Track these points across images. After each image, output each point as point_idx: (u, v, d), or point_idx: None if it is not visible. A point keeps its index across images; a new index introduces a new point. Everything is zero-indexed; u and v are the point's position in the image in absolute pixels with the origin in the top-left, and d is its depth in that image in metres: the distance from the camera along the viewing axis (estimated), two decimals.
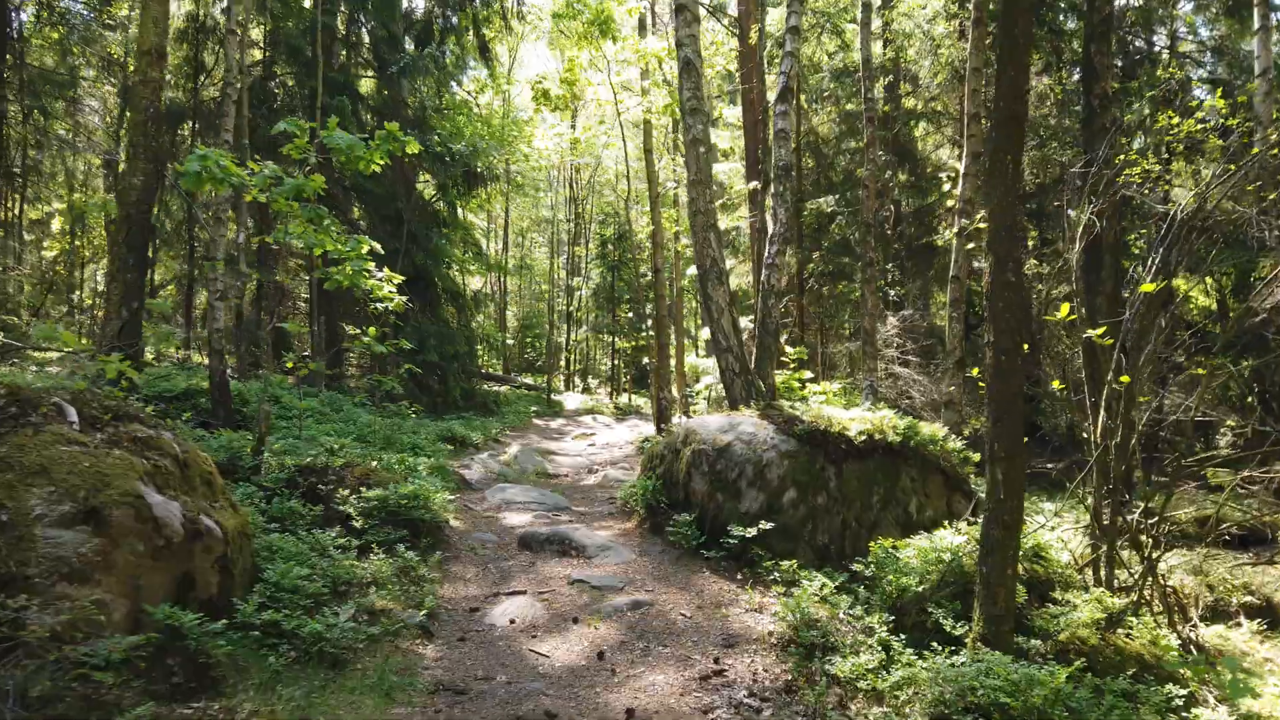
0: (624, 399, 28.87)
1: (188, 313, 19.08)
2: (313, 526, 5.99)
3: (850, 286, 15.37)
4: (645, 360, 24.32)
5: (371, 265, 9.31)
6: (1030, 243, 15.60)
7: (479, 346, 18.85)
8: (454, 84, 20.36)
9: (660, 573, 6.46)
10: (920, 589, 4.93)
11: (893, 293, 14.65)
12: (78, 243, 22.29)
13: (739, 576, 6.23)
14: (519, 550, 7.08)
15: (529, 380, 27.24)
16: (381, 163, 7.38)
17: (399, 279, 9.52)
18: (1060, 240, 14.44)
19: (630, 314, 28.95)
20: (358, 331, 8.12)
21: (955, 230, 8.20)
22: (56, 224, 22.12)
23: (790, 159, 9.12)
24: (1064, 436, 17.52)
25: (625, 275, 28.63)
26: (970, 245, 8.52)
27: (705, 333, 17.00)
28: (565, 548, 6.94)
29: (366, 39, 16.22)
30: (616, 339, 28.55)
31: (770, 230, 8.96)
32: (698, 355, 28.11)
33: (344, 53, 16.57)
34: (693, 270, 18.49)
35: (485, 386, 24.36)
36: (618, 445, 14.87)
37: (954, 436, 7.25)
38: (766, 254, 8.95)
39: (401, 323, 13.66)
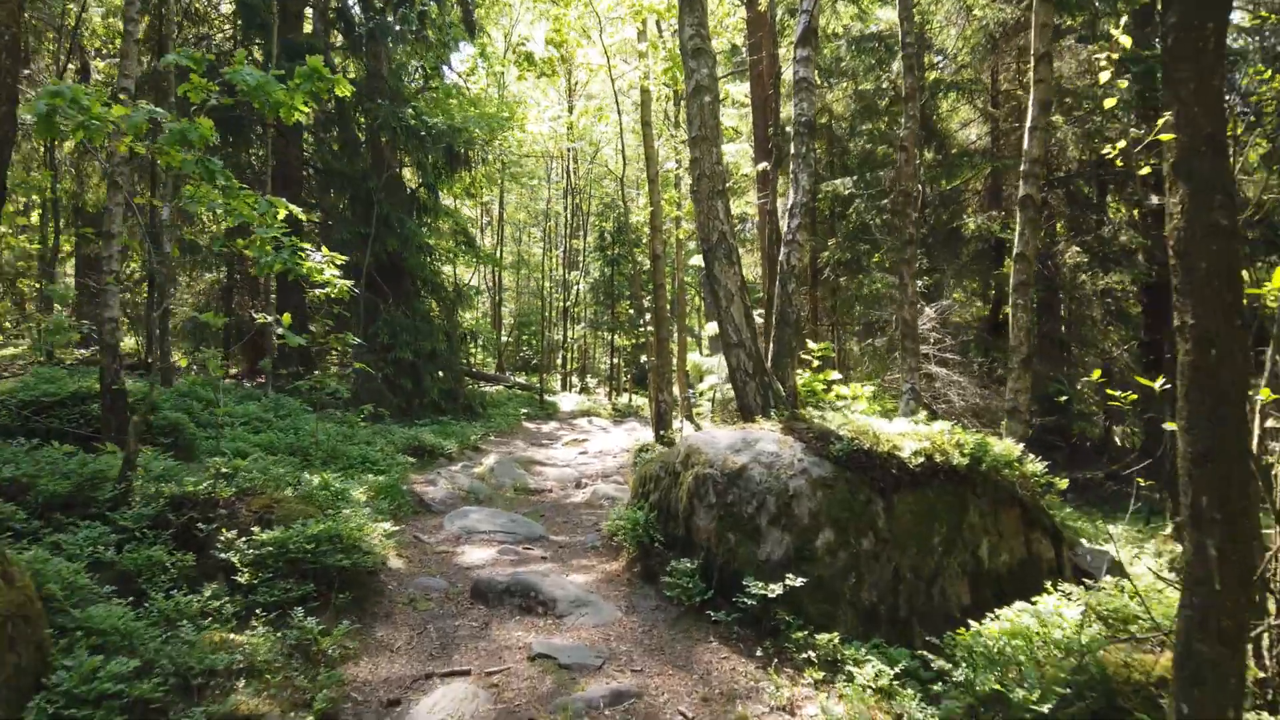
0: (623, 399, 27.22)
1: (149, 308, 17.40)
2: (177, 585, 4.35)
3: (870, 277, 13.70)
4: (644, 359, 22.70)
5: (309, 247, 7.66)
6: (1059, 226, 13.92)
7: (469, 344, 17.20)
8: (444, 66, 18.74)
9: (653, 642, 4.80)
10: (1035, 702, 3.25)
11: (920, 282, 12.95)
12: None
13: (759, 652, 4.55)
14: (471, 603, 5.42)
15: (523, 380, 25.59)
16: (306, 109, 5.72)
17: (341, 260, 7.86)
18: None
19: (630, 310, 27.30)
20: (268, 319, 6.43)
21: (1023, 192, 6.51)
22: None
23: (813, 114, 7.46)
24: (1098, 440, 15.82)
25: (624, 269, 26.98)
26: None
27: (711, 328, 15.32)
28: (530, 601, 5.28)
29: (334, 1, 14.56)
30: (616, 336, 26.91)
31: (790, 200, 7.29)
32: (701, 353, 26.47)
33: (311, 21, 14.93)
34: (696, 260, 16.79)
35: (475, 386, 22.71)
36: (612, 453, 13.22)
37: (1031, 456, 5.58)
38: (785, 227, 7.29)
39: (350, 314, 12.03)
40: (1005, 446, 5.40)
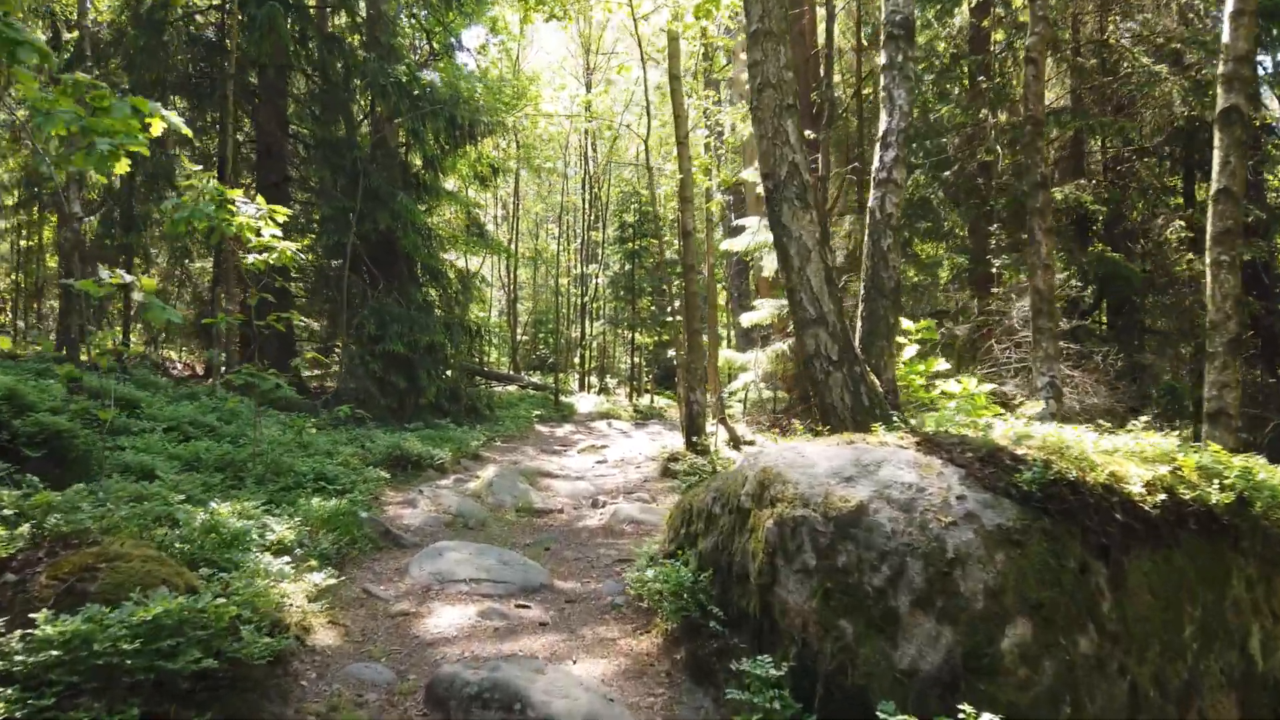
0: (644, 401, 25.19)
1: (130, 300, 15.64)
2: None
3: (937, 253, 11.62)
4: (671, 354, 20.72)
5: (238, 196, 5.81)
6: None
7: (478, 340, 15.26)
8: (453, 41, 16.89)
9: None
10: None
11: (997, 262, 10.81)
12: None
13: None
14: (425, 715, 3.43)
15: (538, 379, 23.66)
16: None
17: (284, 214, 5.94)
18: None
19: (652, 307, 25.28)
20: (121, 279, 4.32)
21: (1223, 103, 4.44)
22: None
23: (911, 11, 5.40)
24: None
25: (646, 263, 24.97)
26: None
27: (746, 317, 13.27)
28: None
29: None
30: (636, 334, 24.89)
31: (883, 125, 5.23)
32: (728, 347, 24.46)
33: None
34: (725, 245, 14.75)
35: (486, 386, 20.79)
36: (634, 462, 11.20)
37: None
38: (877, 162, 5.24)
39: (323, 300, 10.14)
40: (1275, 475, 3.31)
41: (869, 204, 5.22)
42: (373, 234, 11.90)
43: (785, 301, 13.71)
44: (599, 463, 11.10)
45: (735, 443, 12.55)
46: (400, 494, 7.49)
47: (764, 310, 13.02)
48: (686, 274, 10.46)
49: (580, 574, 5.64)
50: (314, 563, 4.66)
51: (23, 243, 19.60)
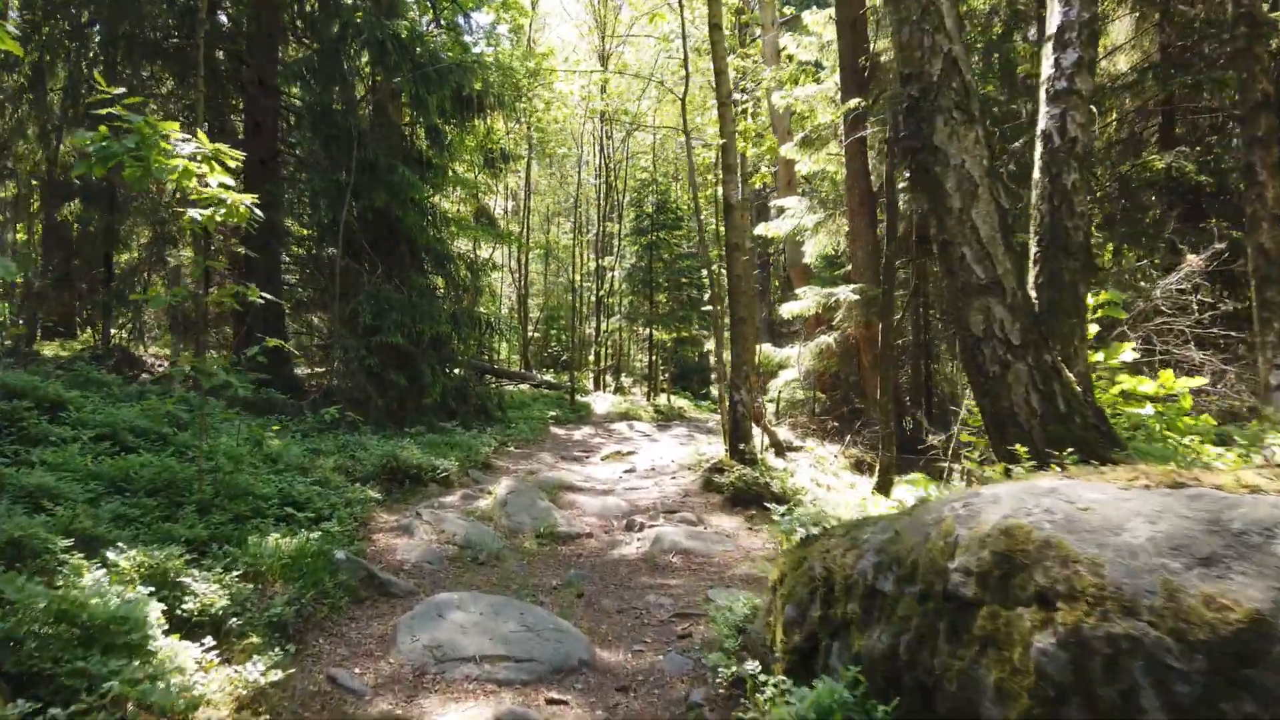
0: (662, 400, 23.70)
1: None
2: None
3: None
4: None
5: (174, 131, 4.36)
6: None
7: (488, 335, 13.80)
8: (459, 19, 15.47)
9: None
10: None
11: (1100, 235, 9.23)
12: None
13: None
14: None
15: (550, 378, 22.19)
16: None
17: (236, 158, 4.46)
18: None
19: (670, 302, 23.77)
20: None
21: None
22: None
23: None
24: None
25: (664, 255, 23.45)
26: None
27: (789, 307, 11.75)
28: None
29: None
30: (654, 330, 23.36)
31: (1057, 17, 3.69)
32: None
33: None
34: (773, 228, 13.21)
35: (496, 385, 19.35)
36: (667, 471, 9.70)
37: None
38: (1050, 68, 3.69)
39: (317, 289, 8.72)
40: None
41: (1040, 127, 3.70)
42: (369, 212, 10.43)
43: (831, 290, 12.20)
44: (627, 472, 9.59)
45: (779, 449, 11.04)
46: (395, 517, 6.00)
47: (807, 299, 11.49)
48: (729, 254, 8.94)
49: (628, 636, 4.14)
50: (256, 638, 3.18)
51: None
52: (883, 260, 8.57)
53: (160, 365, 14.25)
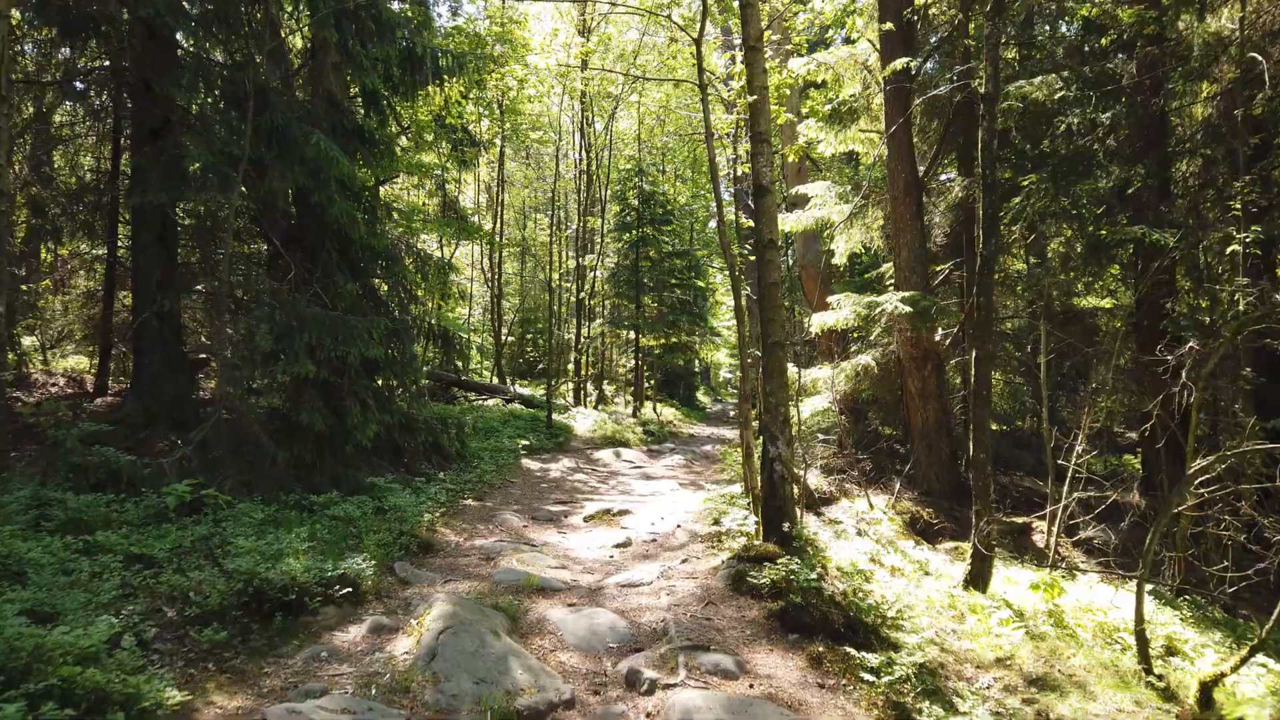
0: (647, 411, 21.21)
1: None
2: None
3: (1104, 228, 7.65)
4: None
5: None
6: None
7: (443, 348, 11.08)
8: None
9: None
10: None
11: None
12: None
13: None
14: None
15: (526, 390, 19.57)
16: None
17: None
18: None
19: (657, 305, 21.22)
20: None
21: None
22: None
23: None
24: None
25: (652, 253, 20.91)
26: None
27: (822, 318, 9.30)
28: None
29: None
30: (640, 335, 20.81)
31: None
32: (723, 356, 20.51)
33: None
34: (794, 220, 10.65)
35: (465, 401, 16.70)
36: (673, 543, 7.16)
37: None
38: None
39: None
40: None
41: None
42: (281, 196, 7.76)
43: (876, 300, 9.71)
44: (619, 547, 7.02)
45: (809, 503, 8.57)
46: (232, 702, 3.39)
47: (844, 310, 9.01)
48: (760, 254, 6.39)
49: None
50: None
51: None
52: (978, 262, 6.08)
53: (54, 384, 11.40)
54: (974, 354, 6.12)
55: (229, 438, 6.48)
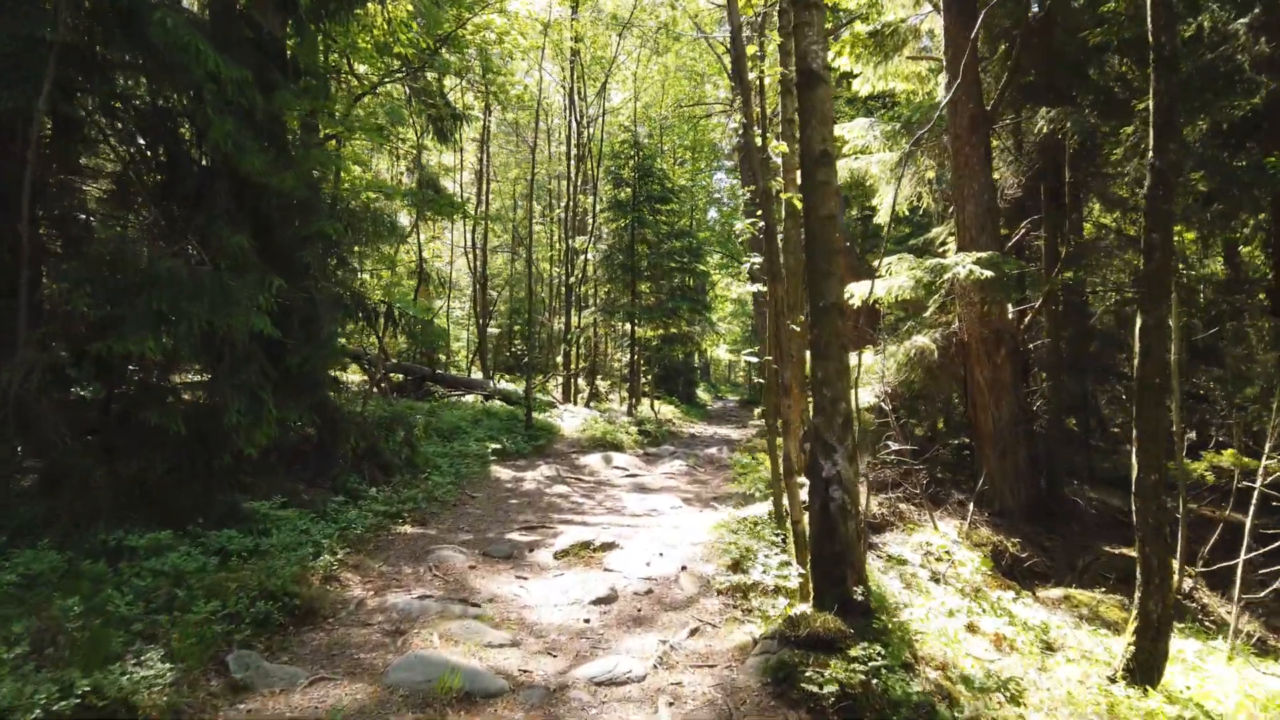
0: (644, 409, 19.00)
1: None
2: None
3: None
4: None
5: None
6: None
7: (390, 327, 8.81)
8: None
9: None
10: None
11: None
12: None
13: None
14: None
15: (510, 385, 17.37)
16: None
17: None
18: None
19: (655, 292, 19.00)
20: None
21: None
22: None
23: None
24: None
25: (650, 235, 18.69)
26: None
27: (860, 288, 7.06)
28: None
29: None
30: (637, 325, 18.59)
31: None
32: (724, 347, 18.31)
33: None
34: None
35: (441, 398, 14.48)
36: (676, 598, 4.96)
37: None
38: None
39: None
40: None
41: None
42: (139, 107, 5.53)
43: (941, 262, 7.52)
44: (600, 603, 4.80)
45: (859, 533, 6.40)
46: None
47: (900, 277, 6.80)
48: (808, 174, 4.22)
49: None
50: None
51: None
52: (1150, 177, 3.87)
53: None
54: (1140, 322, 3.92)
55: (16, 446, 4.26)
